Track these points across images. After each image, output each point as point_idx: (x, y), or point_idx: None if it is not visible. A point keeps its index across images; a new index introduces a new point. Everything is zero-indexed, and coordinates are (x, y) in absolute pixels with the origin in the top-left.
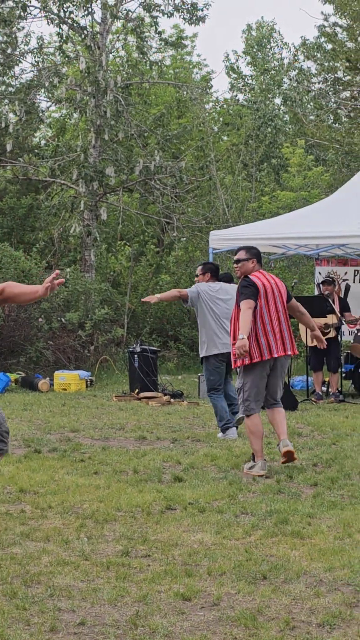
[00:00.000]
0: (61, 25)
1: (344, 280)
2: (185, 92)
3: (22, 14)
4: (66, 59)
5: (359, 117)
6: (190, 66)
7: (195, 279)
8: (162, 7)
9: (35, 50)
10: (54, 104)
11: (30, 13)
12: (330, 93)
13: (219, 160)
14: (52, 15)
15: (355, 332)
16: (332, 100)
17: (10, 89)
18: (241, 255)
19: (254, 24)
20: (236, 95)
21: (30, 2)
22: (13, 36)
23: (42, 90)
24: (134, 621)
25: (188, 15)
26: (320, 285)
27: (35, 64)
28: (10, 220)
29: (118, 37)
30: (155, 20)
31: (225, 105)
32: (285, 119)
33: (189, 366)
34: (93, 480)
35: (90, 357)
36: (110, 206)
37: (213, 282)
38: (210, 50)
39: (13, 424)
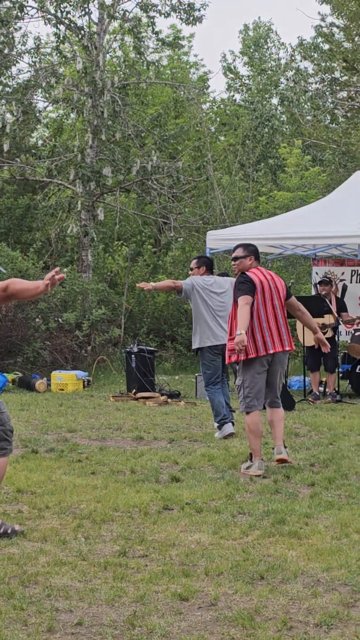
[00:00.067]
0: (58, 25)
1: (341, 280)
2: (182, 92)
3: (19, 14)
4: (63, 59)
5: (356, 117)
6: (188, 66)
7: (190, 272)
8: (159, 7)
9: (32, 50)
10: (51, 104)
11: (27, 13)
12: (327, 93)
13: (216, 160)
14: (49, 16)
15: (353, 332)
16: (329, 100)
17: (7, 89)
18: (238, 252)
19: (251, 24)
20: (233, 96)
21: (28, 2)
22: (10, 36)
23: (39, 90)
24: (131, 621)
25: (185, 15)
26: (318, 285)
27: (33, 64)
28: (7, 220)
29: (115, 37)
30: (152, 20)
31: (222, 106)
32: (282, 119)
33: (186, 366)
34: (90, 481)
35: (87, 357)
36: (107, 206)
37: (207, 275)
38: (207, 50)
39: None
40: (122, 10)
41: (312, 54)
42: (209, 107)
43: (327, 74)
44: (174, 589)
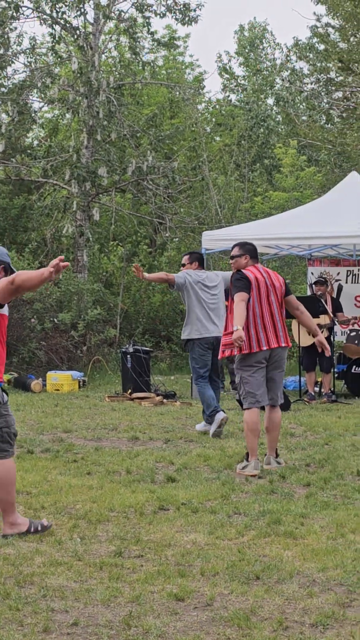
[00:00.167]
0: (54, 25)
1: (337, 280)
2: (177, 93)
3: (14, 14)
4: (59, 59)
5: (351, 117)
6: (183, 67)
7: (182, 268)
8: (155, 8)
9: (27, 50)
10: (46, 105)
11: (22, 13)
12: (322, 93)
13: (212, 160)
14: (45, 16)
15: (348, 332)
16: (325, 100)
17: (2, 89)
18: (235, 251)
19: (247, 25)
20: (229, 96)
21: (23, 2)
22: (5, 36)
23: (35, 90)
24: (127, 621)
25: (180, 15)
26: (313, 285)
27: (28, 64)
28: (2, 220)
29: (110, 37)
30: (147, 20)
31: (217, 106)
32: (277, 119)
33: (181, 366)
34: (86, 481)
35: (82, 358)
36: (102, 206)
37: (200, 270)
38: (202, 50)
39: None
40: (118, 10)
41: (308, 54)
42: (204, 107)
43: (322, 75)
44: (170, 589)
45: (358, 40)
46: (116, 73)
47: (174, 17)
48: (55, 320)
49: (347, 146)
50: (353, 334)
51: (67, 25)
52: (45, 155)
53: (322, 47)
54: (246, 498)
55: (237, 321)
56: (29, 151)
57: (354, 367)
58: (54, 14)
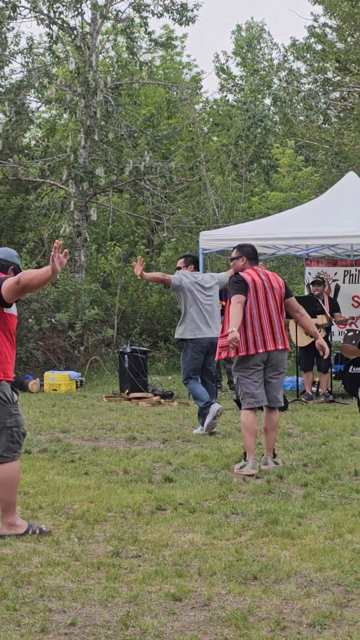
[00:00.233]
0: (51, 25)
1: (334, 280)
2: (175, 93)
3: (11, 14)
4: (56, 59)
5: (348, 117)
6: (180, 67)
7: (177, 271)
8: (152, 8)
9: (25, 50)
10: (43, 105)
11: (20, 13)
12: (319, 94)
13: (209, 160)
14: (42, 16)
15: (345, 332)
16: (322, 100)
17: (0, 89)
18: (233, 254)
19: (244, 25)
20: (226, 96)
21: (20, 2)
22: (3, 36)
23: (32, 90)
24: (124, 622)
25: (178, 15)
26: (310, 285)
27: (25, 64)
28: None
29: (108, 37)
30: (145, 20)
31: (215, 106)
32: (275, 119)
33: (179, 367)
34: (83, 481)
35: (80, 358)
36: (100, 207)
37: (195, 272)
38: (200, 50)
39: None
40: (115, 10)
41: (305, 54)
42: (201, 107)
43: (319, 75)
44: (167, 589)
45: (355, 41)
46: (113, 73)
47: (171, 17)
48: (53, 320)
49: (345, 146)
50: (350, 334)
51: (65, 25)
52: (42, 156)
53: (319, 47)
54: (244, 498)
55: (233, 323)
56: (26, 151)
57: (351, 367)
58: (52, 14)
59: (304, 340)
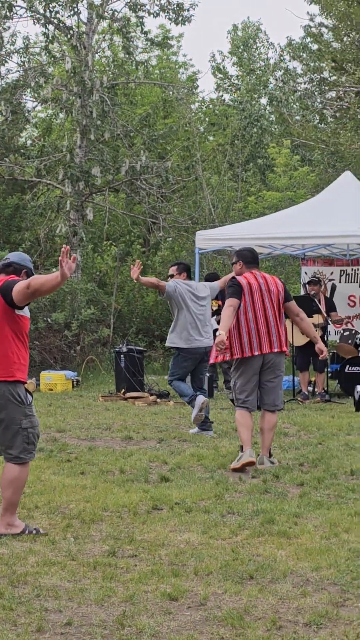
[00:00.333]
0: (47, 25)
1: (330, 280)
2: (171, 92)
3: (7, 13)
4: (52, 59)
5: (344, 117)
6: (176, 66)
7: (169, 279)
8: (148, 7)
9: (21, 50)
10: (40, 104)
11: (16, 13)
12: (316, 93)
13: (205, 160)
14: (38, 15)
15: (341, 332)
16: (318, 100)
17: None
18: (232, 259)
19: (240, 24)
20: (222, 96)
21: (16, 1)
22: None
23: (28, 90)
24: (120, 621)
25: (174, 15)
26: (307, 285)
27: (21, 64)
28: None
29: (104, 37)
30: (141, 20)
31: (211, 106)
32: (271, 119)
33: None
34: (79, 481)
35: (76, 357)
36: (96, 206)
37: (188, 280)
38: (196, 50)
39: None
40: (111, 10)
41: (301, 54)
42: (197, 107)
43: (315, 74)
44: (164, 588)
45: (351, 40)
46: (109, 73)
47: (168, 16)
48: (49, 319)
49: (341, 146)
50: (346, 333)
51: (61, 24)
52: (38, 155)
53: (315, 46)
54: (240, 497)
55: (222, 326)
56: (22, 151)
57: (348, 366)
58: (48, 14)
59: (300, 340)
